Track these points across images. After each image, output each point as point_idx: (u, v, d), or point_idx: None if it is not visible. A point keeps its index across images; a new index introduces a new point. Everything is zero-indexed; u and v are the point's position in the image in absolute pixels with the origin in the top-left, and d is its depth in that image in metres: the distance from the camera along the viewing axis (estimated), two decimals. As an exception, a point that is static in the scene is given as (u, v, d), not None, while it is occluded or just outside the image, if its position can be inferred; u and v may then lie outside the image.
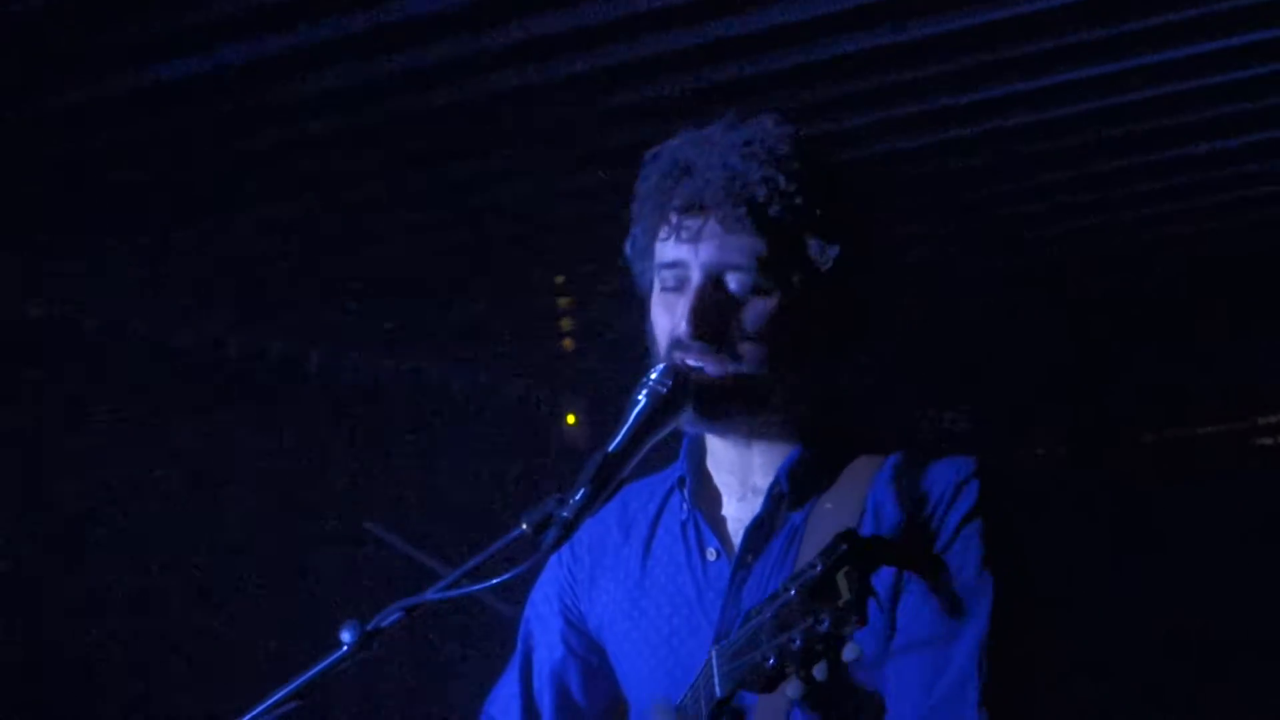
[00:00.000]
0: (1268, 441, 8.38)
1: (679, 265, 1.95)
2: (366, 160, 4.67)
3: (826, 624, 1.59)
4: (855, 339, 2.03)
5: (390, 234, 5.43)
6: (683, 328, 1.92)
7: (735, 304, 1.93)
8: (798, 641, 1.62)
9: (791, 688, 1.65)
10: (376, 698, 5.96)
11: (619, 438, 1.85)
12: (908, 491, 1.92)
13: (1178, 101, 4.44)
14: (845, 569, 1.60)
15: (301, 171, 4.75)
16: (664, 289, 1.98)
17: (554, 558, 2.17)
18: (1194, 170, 5.13)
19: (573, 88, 4.13)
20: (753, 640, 1.67)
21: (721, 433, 2.02)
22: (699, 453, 2.09)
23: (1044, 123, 4.57)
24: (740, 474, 2.04)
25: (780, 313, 1.93)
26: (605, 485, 1.81)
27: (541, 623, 2.23)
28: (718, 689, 1.71)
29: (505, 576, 1.76)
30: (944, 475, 1.93)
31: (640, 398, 1.88)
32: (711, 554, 2.03)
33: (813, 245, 1.93)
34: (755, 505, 2.00)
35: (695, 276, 1.93)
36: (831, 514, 1.94)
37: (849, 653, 1.63)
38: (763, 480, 2.01)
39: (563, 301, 6.64)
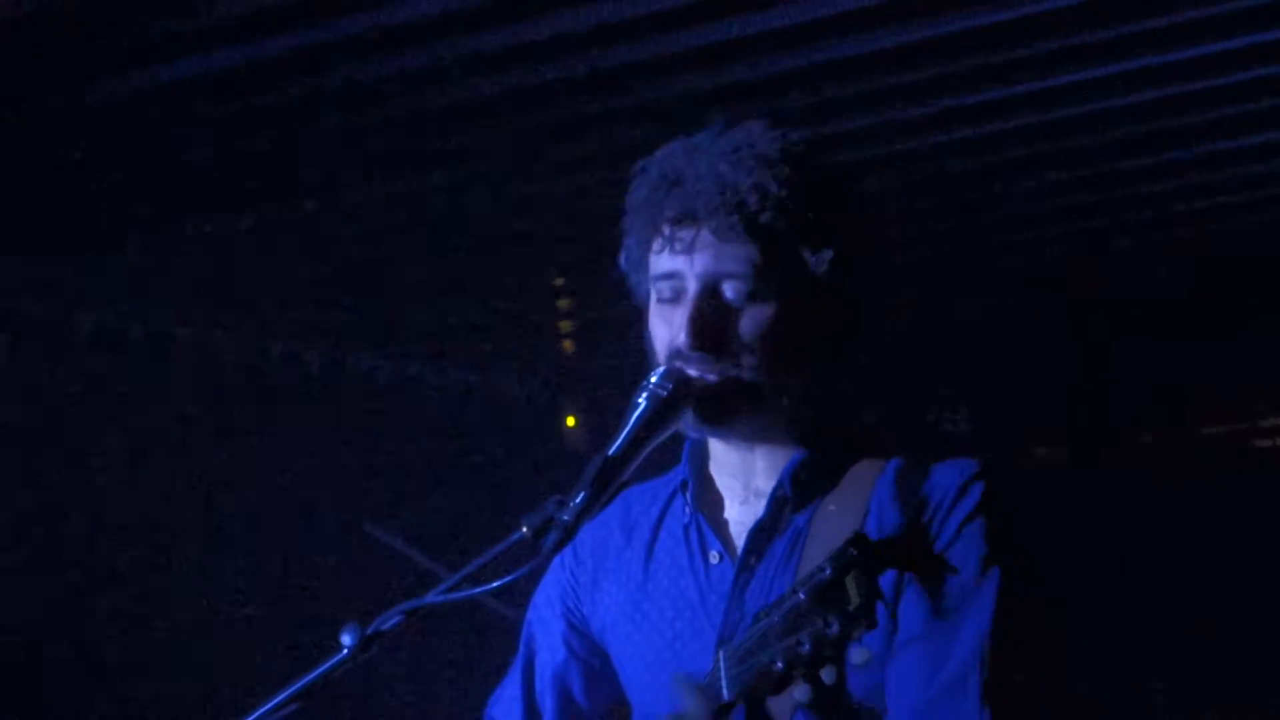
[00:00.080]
0: (1267, 443, 8.39)
1: (675, 276, 1.95)
2: (366, 161, 4.67)
3: (835, 628, 1.59)
4: (853, 341, 2.03)
5: (390, 235, 5.43)
6: (682, 339, 1.92)
7: (733, 313, 1.93)
8: (806, 645, 1.62)
9: (800, 691, 1.65)
10: (377, 699, 5.96)
11: (619, 441, 1.85)
12: (911, 494, 1.92)
13: (1178, 103, 4.44)
14: (854, 573, 1.60)
15: (300, 173, 4.75)
16: (660, 300, 1.98)
17: (556, 560, 2.17)
18: (1194, 172, 5.13)
19: (573, 89, 4.13)
20: (761, 643, 1.67)
21: (724, 437, 2.02)
22: (701, 456, 2.09)
23: (1044, 124, 4.57)
24: (743, 477, 2.04)
25: (778, 318, 1.93)
26: (605, 488, 1.81)
27: (544, 625, 2.23)
28: (725, 692, 1.71)
29: (506, 579, 1.76)
30: (947, 477, 1.93)
31: (640, 401, 1.89)
32: (714, 557, 2.03)
33: (807, 250, 1.93)
34: (758, 508, 2.00)
35: (691, 287, 1.93)
36: (834, 516, 1.95)
37: (858, 656, 1.63)
38: (765, 483, 2.01)
39: (563, 303, 6.64)
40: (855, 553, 1.61)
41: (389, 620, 1.83)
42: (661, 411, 1.88)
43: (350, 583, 6.20)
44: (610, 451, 1.84)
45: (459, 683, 6.25)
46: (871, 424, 2.07)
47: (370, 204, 5.07)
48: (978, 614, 1.84)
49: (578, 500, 1.79)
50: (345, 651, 1.82)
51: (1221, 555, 7.41)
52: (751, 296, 1.92)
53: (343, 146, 4.50)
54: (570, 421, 7.83)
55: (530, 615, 2.26)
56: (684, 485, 2.09)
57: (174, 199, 4.85)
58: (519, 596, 2.13)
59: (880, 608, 1.62)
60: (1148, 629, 7.35)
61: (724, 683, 1.71)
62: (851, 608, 1.59)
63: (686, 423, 1.95)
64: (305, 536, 6.39)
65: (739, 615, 1.96)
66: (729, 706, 1.70)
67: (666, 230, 1.94)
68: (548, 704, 2.21)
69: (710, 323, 1.92)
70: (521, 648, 2.26)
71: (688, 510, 2.08)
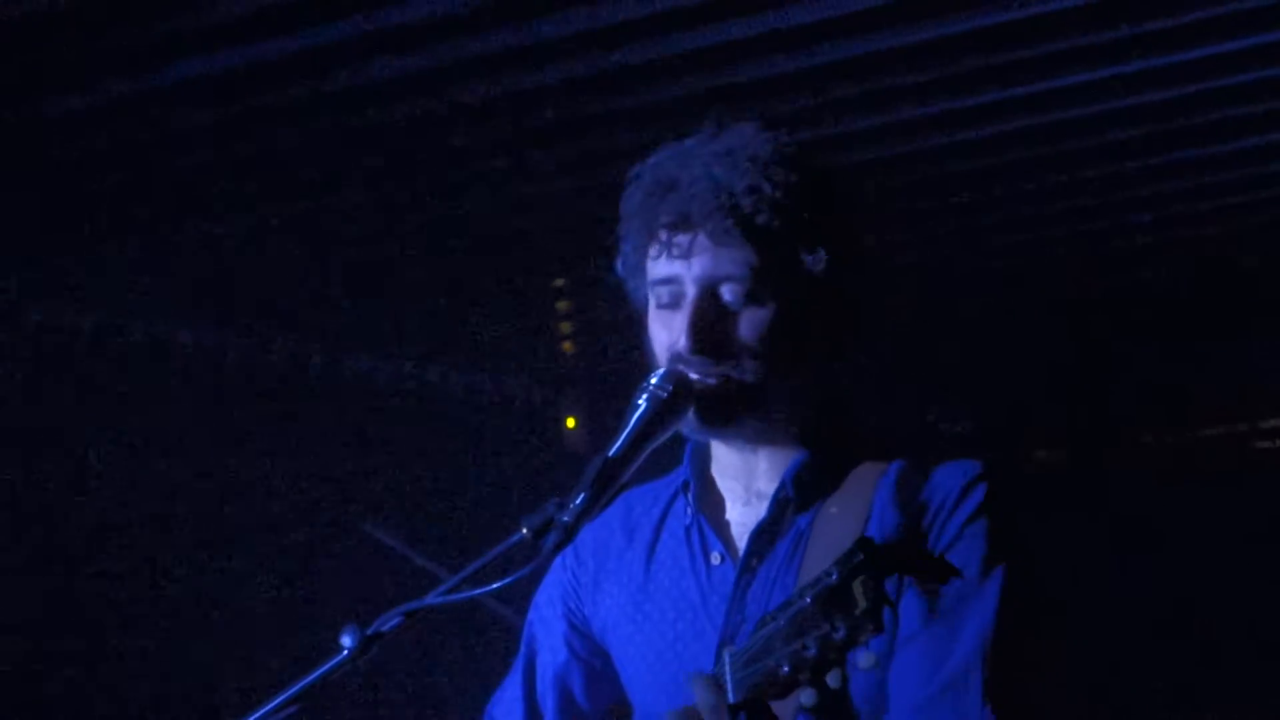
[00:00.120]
0: (1267, 444, 8.39)
1: (673, 281, 1.95)
2: (366, 163, 4.67)
3: (842, 632, 1.59)
4: (853, 340, 2.03)
5: (390, 235, 5.43)
6: (682, 343, 1.92)
7: (732, 315, 1.93)
8: (812, 649, 1.61)
9: (805, 695, 1.65)
10: (377, 700, 5.96)
11: (619, 442, 1.85)
12: (913, 495, 1.93)
13: (1178, 105, 4.45)
14: (861, 578, 1.60)
15: (300, 174, 4.75)
16: (659, 306, 1.98)
17: (558, 560, 2.18)
18: (1195, 173, 5.13)
19: (573, 90, 4.13)
20: (766, 647, 1.67)
21: (726, 439, 2.03)
22: (702, 458, 2.10)
23: (1044, 126, 4.58)
24: (745, 479, 2.05)
25: (777, 319, 1.93)
26: (605, 489, 1.82)
27: (545, 626, 2.24)
28: (731, 695, 1.71)
29: (506, 580, 1.76)
30: (950, 478, 1.93)
31: (640, 402, 1.89)
32: (716, 558, 2.03)
33: (803, 250, 1.93)
34: (760, 510, 2.01)
35: (690, 291, 1.94)
36: (837, 518, 1.95)
37: (864, 661, 1.63)
38: (767, 485, 2.02)
39: (563, 304, 6.64)
40: (862, 557, 1.60)
41: (389, 621, 1.83)
42: (661, 413, 1.89)
43: (350, 584, 6.20)
44: (610, 453, 1.84)
45: (459, 683, 6.25)
46: (873, 425, 2.07)
47: (370, 205, 5.07)
48: (980, 613, 1.85)
49: (578, 501, 1.79)
50: (345, 653, 1.82)
51: (1221, 556, 7.41)
52: (750, 298, 1.93)
53: (343, 148, 4.50)
54: (570, 423, 7.83)
55: (531, 615, 2.27)
56: (685, 486, 2.10)
57: (174, 199, 4.85)
58: (519, 598, 2.13)
59: (886, 612, 1.61)
60: (1148, 629, 7.35)
61: (729, 686, 1.71)
62: (858, 612, 1.59)
63: (689, 425, 1.95)
64: (305, 537, 6.39)
65: (740, 617, 1.96)
66: (734, 709, 1.70)
67: (663, 235, 1.95)
68: (549, 704, 2.21)
69: (710, 326, 1.92)
70: (522, 648, 2.26)
71: (689, 511, 2.08)
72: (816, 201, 1.94)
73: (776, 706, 1.71)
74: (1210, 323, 7.05)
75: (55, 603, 5.49)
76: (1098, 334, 7.29)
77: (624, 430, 1.86)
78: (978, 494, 1.91)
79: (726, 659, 1.73)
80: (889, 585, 1.61)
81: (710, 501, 2.08)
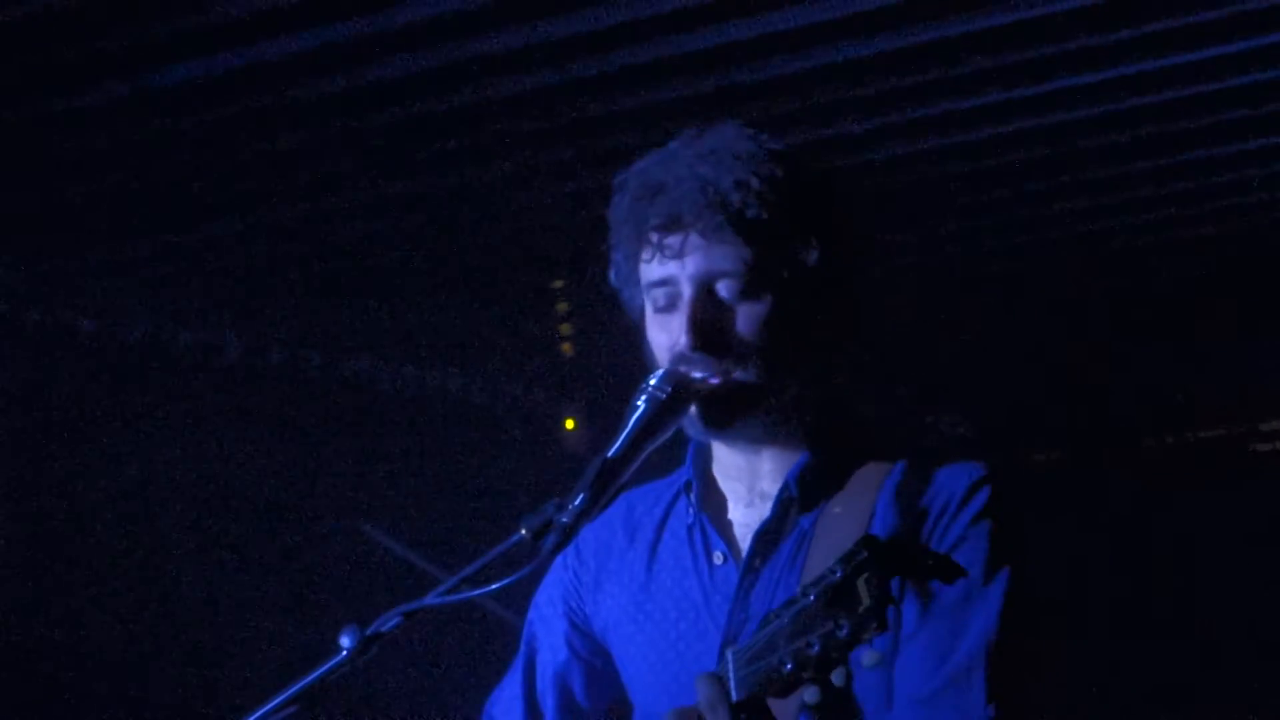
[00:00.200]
0: (1267, 447, 8.38)
1: (668, 283, 1.95)
2: (366, 165, 4.67)
3: (846, 630, 1.59)
4: (851, 334, 2.03)
5: (390, 237, 5.43)
6: (683, 341, 1.92)
7: (729, 311, 1.93)
8: (816, 647, 1.61)
9: (809, 693, 1.65)
10: (377, 700, 5.96)
11: (618, 443, 1.85)
12: (917, 496, 1.93)
13: (1179, 107, 4.45)
14: (865, 575, 1.59)
15: (301, 176, 4.75)
16: (657, 310, 1.98)
17: (559, 560, 2.18)
18: (1195, 175, 5.13)
19: (573, 92, 4.13)
20: (770, 645, 1.67)
21: (730, 441, 2.03)
22: (705, 458, 2.10)
23: (1045, 128, 4.58)
24: (748, 480, 2.05)
25: (774, 312, 1.93)
26: (604, 490, 1.82)
27: (545, 625, 2.24)
28: (734, 693, 1.71)
29: (504, 581, 1.76)
30: (954, 480, 1.94)
31: (639, 403, 1.89)
32: (718, 558, 2.03)
33: (795, 242, 1.93)
34: (763, 510, 2.01)
35: (686, 290, 1.94)
36: (840, 519, 1.95)
37: (868, 659, 1.63)
38: (771, 486, 2.02)
39: (562, 306, 6.64)
40: (866, 555, 1.60)
41: (388, 622, 1.83)
42: (660, 414, 1.89)
43: (349, 585, 6.20)
44: (609, 454, 1.84)
45: (459, 683, 6.25)
46: (875, 425, 2.07)
47: (370, 206, 5.07)
48: (985, 612, 1.85)
49: (577, 502, 1.79)
50: (344, 653, 1.82)
51: (1221, 557, 7.42)
52: (746, 293, 1.93)
53: (342, 148, 4.50)
54: (569, 424, 7.82)
55: (532, 614, 2.27)
56: (688, 486, 2.10)
57: (174, 200, 4.85)
58: (518, 598, 2.13)
59: (890, 610, 1.61)
60: (1148, 629, 7.35)
61: (732, 684, 1.71)
62: (862, 610, 1.58)
63: (692, 427, 1.95)
64: (305, 538, 6.39)
65: (743, 616, 1.96)
66: (737, 708, 1.70)
67: (654, 238, 1.95)
68: (549, 703, 2.21)
69: (709, 322, 1.92)
70: (523, 646, 2.26)
71: (691, 511, 2.08)
72: (805, 194, 1.95)
73: (780, 705, 1.71)
74: (1210, 323, 7.04)
75: (53, 601, 5.49)
76: (1098, 334, 7.29)
77: (623, 431, 1.86)
78: (982, 496, 1.91)
79: (729, 658, 1.73)
80: (893, 583, 1.61)
81: (713, 502, 2.08)
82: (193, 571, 5.91)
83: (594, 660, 2.19)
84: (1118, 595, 7.51)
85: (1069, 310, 6.95)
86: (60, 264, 5.43)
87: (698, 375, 1.92)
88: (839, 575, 1.61)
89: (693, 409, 1.93)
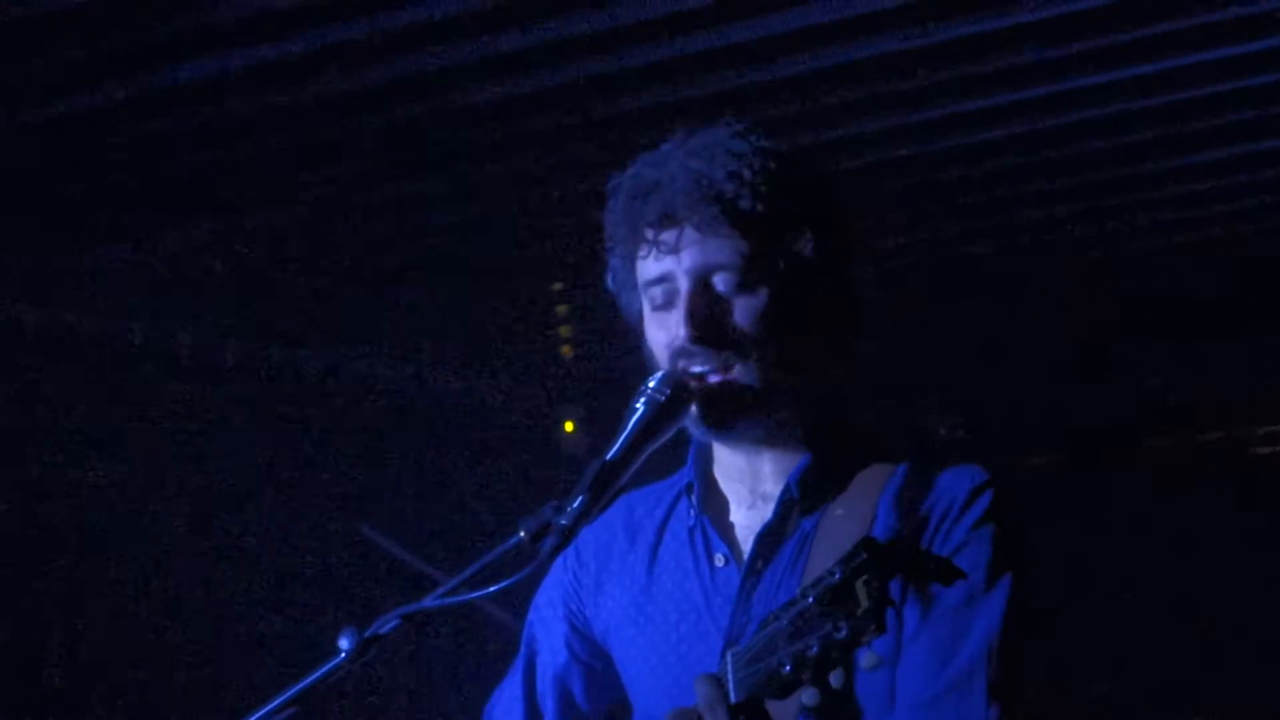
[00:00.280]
0: (1267, 450, 8.38)
1: (665, 279, 1.95)
2: (366, 166, 4.67)
3: (845, 631, 1.58)
4: (850, 326, 2.03)
5: (389, 239, 5.43)
6: (683, 335, 1.92)
7: (727, 304, 1.93)
8: (815, 649, 1.61)
9: (808, 695, 1.64)
10: (377, 700, 5.95)
11: (617, 445, 1.85)
12: (919, 499, 1.93)
13: (1180, 109, 4.45)
14: (864, 577, 1.59)
15: (302, 176, 4.75)
16: (655, 308, 1.98)
17: (559, 562, 2.18)
18: (1198, 177, 5.12)
19: (575, 94, 4.13)
20: (769, 646, 1.66)
21: (731, 442, 2.02)
22: (706, 460, 2.09)
23: (1046, 130, 4.58)
24: (749, 481, 2.04)
25: (772, 304, 1.93)
26: (603, 492, 1.82)
27: (545, 627, 2.23)
28: (732, 695, 1.71)
29: (503, 584, 1.76)
30: (956, 482, 1.93)
31: (638, 406, 1.89)
32: (720, 560, 2.03)
33: (790, 233, 1.93)
34: (765, 512, 2.00)
35: (683, 285, 1.94)
36: (842, 521, 1.94)
37: (867, 660, 1.63)
38: (773, 487, 2.01)
39: (562, 308, 6.64)
40: (865, 556, 1.60)
41: (386, 624, 1.83)
42: (659, 416, 1.88)
43: (348, 586, 6.19)
44: (608, 456, 1.84)
45: (458, 684, 6.25)
46: (877, 427, 2.07)
47: (370, 207, 5.07)
48: (987, 616, 1.85)
49: (575, 504, 1.79)
50: (343, 655, 1.82)
51: (1221, 558, 7.42)
52: (743, 286, 1.93)
53: (342, 149, 4.50)
54: (569, 427, 7.81)
55: (532, 616, 2.26)
56: (689, 488, 2.09)
57: (174, 200, 4.86)
58: (516, 601, 2.13)
59: (889, 613, 1.61)
60: (1148, 630, 7.36)
61: (731, 686, 1.71)
62: (861, 611, 1.58)
63: (694, 427, 1.95)
64: (304, 539, 6.39)
65: (745, 618, 1.96)
66: (735, 709, 1.70)
67: (650, 235, 1.95)
68: (548, 705, 2.21)
69: (708, 315, 1.92)
70: (522, 648, 2.26)
71: (693, 513, 2.08)
72: (798, 186, 1.95)
73: (779, 707, 1.71)
74: (1210, 324, 7.04)
75: (50, 604, 5.49)
76: (1098, 334, 7.29)
77: (622, 433, 1.86)
78: (984, 500, 1.91)
79: (729, 659, 1.73)
80: (893, 586, 1.61)
81: (714, 503, 2.08)
82: (193, 571, 5.90)
83: (594, 662, 2.19)
84: (1118, 596, 7.51)
85: (1069, 311, 6.95)
86: (60, 264, 5.43)
87: (697, 369, 1.92)
88: (838, 577, 1.61)
89: (693, 409, 1.93)
